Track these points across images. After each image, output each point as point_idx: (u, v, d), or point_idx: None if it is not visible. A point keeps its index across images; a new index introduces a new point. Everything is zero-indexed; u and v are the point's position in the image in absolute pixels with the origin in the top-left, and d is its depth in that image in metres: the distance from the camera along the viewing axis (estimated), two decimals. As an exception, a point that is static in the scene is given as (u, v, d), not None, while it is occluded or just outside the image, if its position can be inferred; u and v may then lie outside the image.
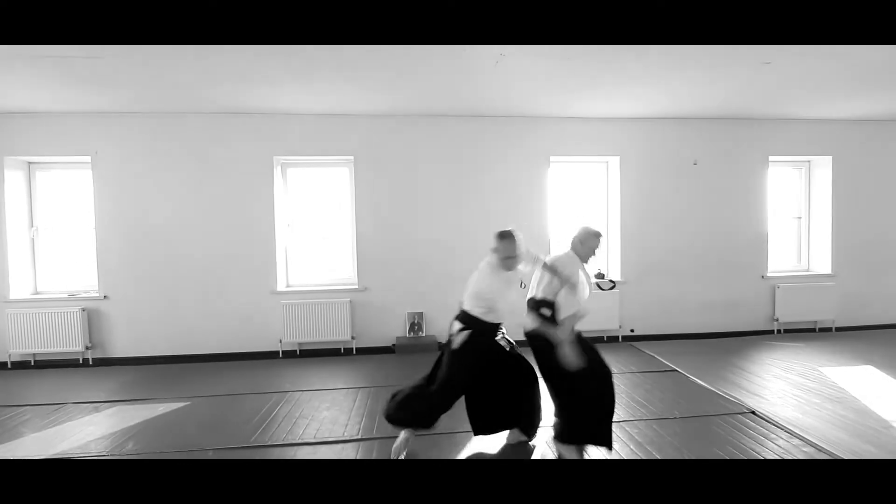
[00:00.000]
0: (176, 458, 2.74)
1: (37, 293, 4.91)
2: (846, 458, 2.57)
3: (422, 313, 5.10)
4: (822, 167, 5.68)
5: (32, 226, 4.88)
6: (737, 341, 5.24)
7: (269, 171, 4.93)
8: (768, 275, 5.54)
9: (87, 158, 4.72)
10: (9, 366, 4.70)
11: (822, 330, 5.64)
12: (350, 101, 4.51)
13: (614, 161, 5.39)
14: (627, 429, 3.03)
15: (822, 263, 5.73)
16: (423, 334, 5.08)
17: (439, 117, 5.04)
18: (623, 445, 2.81)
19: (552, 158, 5.25)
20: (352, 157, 5.02)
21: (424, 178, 5.09)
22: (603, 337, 5.37)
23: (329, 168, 5.25)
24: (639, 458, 2.65)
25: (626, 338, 5.40)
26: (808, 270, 5.82)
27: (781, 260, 5.89)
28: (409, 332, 5.05)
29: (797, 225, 5.90)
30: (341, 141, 4.97)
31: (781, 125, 5.45)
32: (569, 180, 5.61)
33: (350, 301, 4.96)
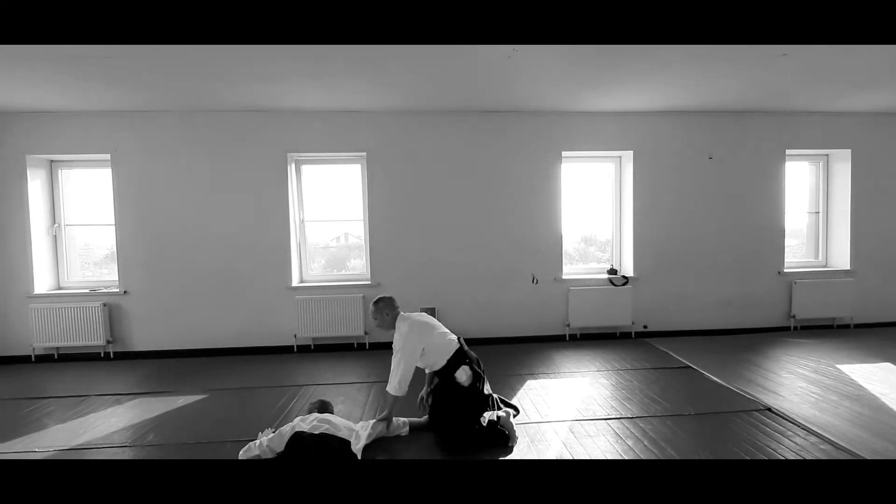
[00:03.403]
0: (196, 448, 2.82)
1: (59, 288, 5.04)
2: (864, 455, 2.55)
3: (434, 308, 5.12)
4: (841, 161, 5.56)
5: (55, 223, 5.00)
6: (752, 338, 5.18)
7: (284, 167, 4.97)
8: (785, 271, 5.46)
9: (108, 156, 4.81)
10: (33, 359, 4.84)
11: (840, 326, 5.55)
12: (362, 98, 4.53)
13: (628, 155, 5.34)
14: (642, 425, 3.03)
15: (840, 259, 5.62)
16: (436, 330, 5.10)
17: (451, 113, 5.04)
18: (637, 441, 2.81)
19: (564, 153, 5.22)
20: (364, 154, 5.05)
21: (437, 173, 5.10)
22: (615, 333, 5.36)
23: (342, 164, 5.29)
24: (654, 454, 2.65)
25: (639, 334, 5.37)
26: (825, 266, 5.72)
27: (799, 255, 5.81)
28: (421, 328, 5.06)
29: (815, 220, 5.81)
30: (354, 137, 5.00)
31: (799, 118, 5.34)
32: (582, 175, 5.58)
33: (363, 296, 5.00)
